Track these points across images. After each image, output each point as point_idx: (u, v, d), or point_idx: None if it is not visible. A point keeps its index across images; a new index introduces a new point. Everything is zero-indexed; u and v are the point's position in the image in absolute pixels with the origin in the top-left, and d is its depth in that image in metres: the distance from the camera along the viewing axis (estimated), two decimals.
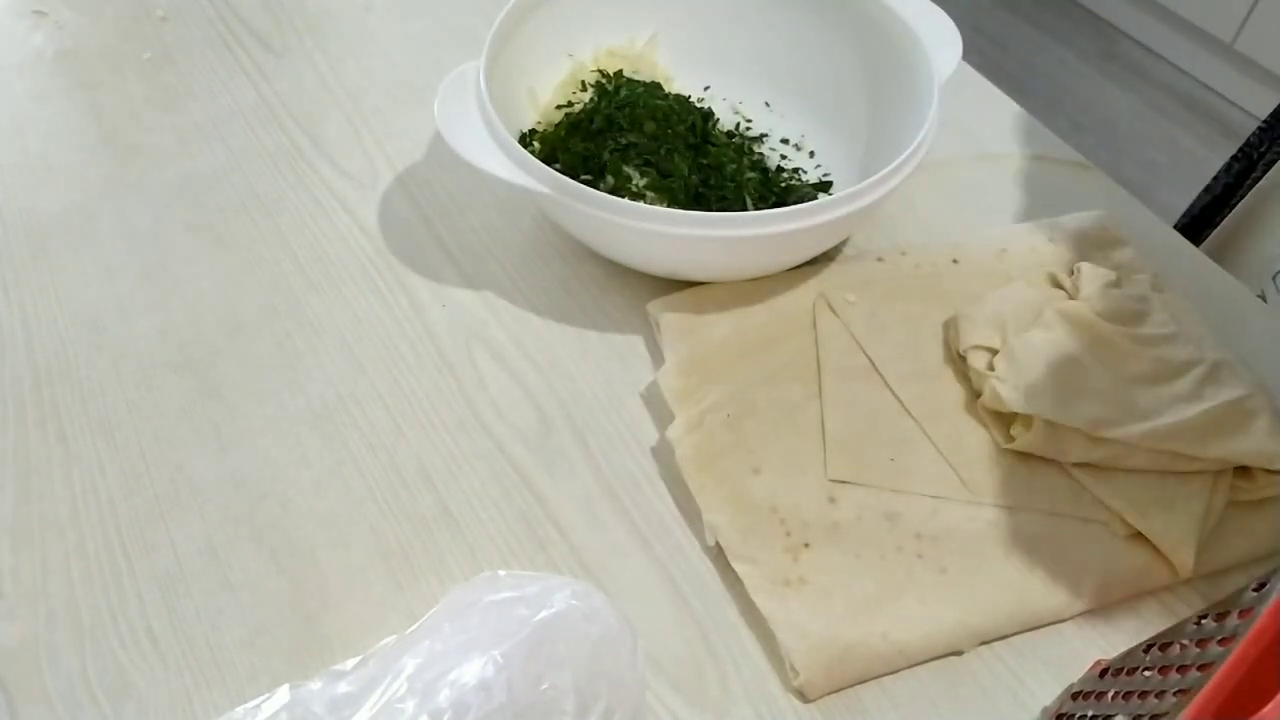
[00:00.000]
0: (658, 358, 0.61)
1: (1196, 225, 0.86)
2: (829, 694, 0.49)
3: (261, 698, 0.44)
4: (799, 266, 0.65)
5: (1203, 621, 0.42)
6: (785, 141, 0.73)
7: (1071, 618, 0.52)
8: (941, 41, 0.66)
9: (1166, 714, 0.39)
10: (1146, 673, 0.44)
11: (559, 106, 0.71)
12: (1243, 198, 0.83)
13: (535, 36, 0.70)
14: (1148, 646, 0.46)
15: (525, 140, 0.69)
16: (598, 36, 0.73)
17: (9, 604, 0.52)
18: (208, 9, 0.85)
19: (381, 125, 0.76)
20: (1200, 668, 0.39)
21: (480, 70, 0.62)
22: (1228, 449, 0.54)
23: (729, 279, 0.64)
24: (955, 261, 0.65)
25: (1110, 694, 0.45)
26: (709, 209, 0.66)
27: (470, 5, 0.84)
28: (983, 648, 0.51)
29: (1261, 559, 0.54)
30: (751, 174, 0.69)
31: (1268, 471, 0.54)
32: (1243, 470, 0.55)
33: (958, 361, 0.59)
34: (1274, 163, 0.81)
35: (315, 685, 0.44)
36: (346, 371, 0.61)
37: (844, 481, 0.54)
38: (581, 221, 0.61)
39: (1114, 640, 0.51)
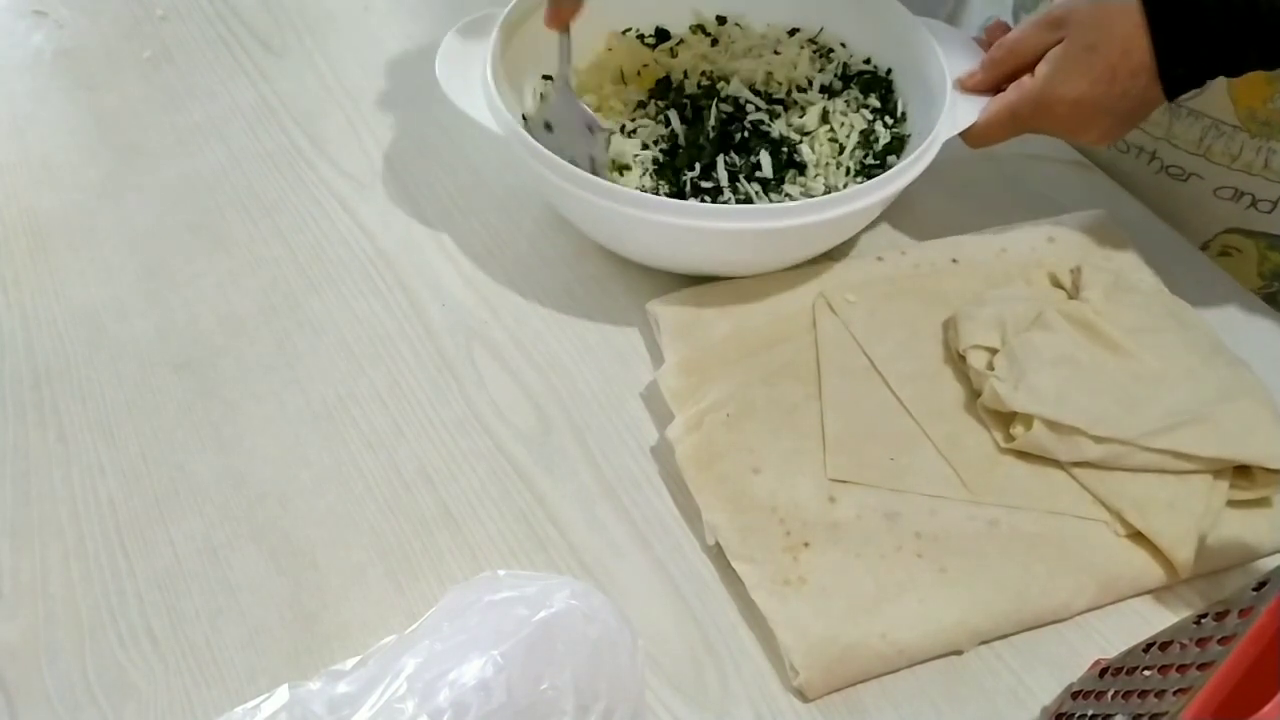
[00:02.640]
0: (658, 358, 0.61)
1: None
2: (829, 693, 0.49)
3: (261, 698, 0.44)
4: (799, 266, 0.65)
5: (1202, 621, 0.42)
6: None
7: (1071, 617, 0.52)
8: (956, 51, 0.67)
9: (1166, 713, 0.39)
10: (1146, 672, 0.43)
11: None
12: None
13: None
14: (1147, 646, 0.46)
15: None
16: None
17: (9, 604, 0.52)
18: (207, 9, 0.85)
19: (381, 125, 0.76)
20: (1200, 667, 0.39)
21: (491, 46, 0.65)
22: (1228, 449, 0.54)
23: (722, 273, 0.64)
24: (955, 261, 0.65)
25: (1110, 693, 0.45)
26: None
27: (471, 5, 0.84)
28: (982, 647, 0.51)
29: (1261, 559, 0.54)
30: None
31: (1267, 471, 0.54)
32: (1242, 470, 0.55)
33: (957, 361, 0.59)
34: None
35: (314, 685, 0.44)
36: (346, 371, 0.61)
37: (844, 481, 0.54)
38: (572, 203, 0.62)
39: (1114, 640, 0.51)
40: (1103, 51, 0.59)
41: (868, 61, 0.74)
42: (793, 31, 0.76)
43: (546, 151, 0.60)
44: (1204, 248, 0.74)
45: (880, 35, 0.72)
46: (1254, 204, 0.71)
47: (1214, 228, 0.74)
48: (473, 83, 0.64)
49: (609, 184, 0.59)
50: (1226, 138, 0.69)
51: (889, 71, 0.72)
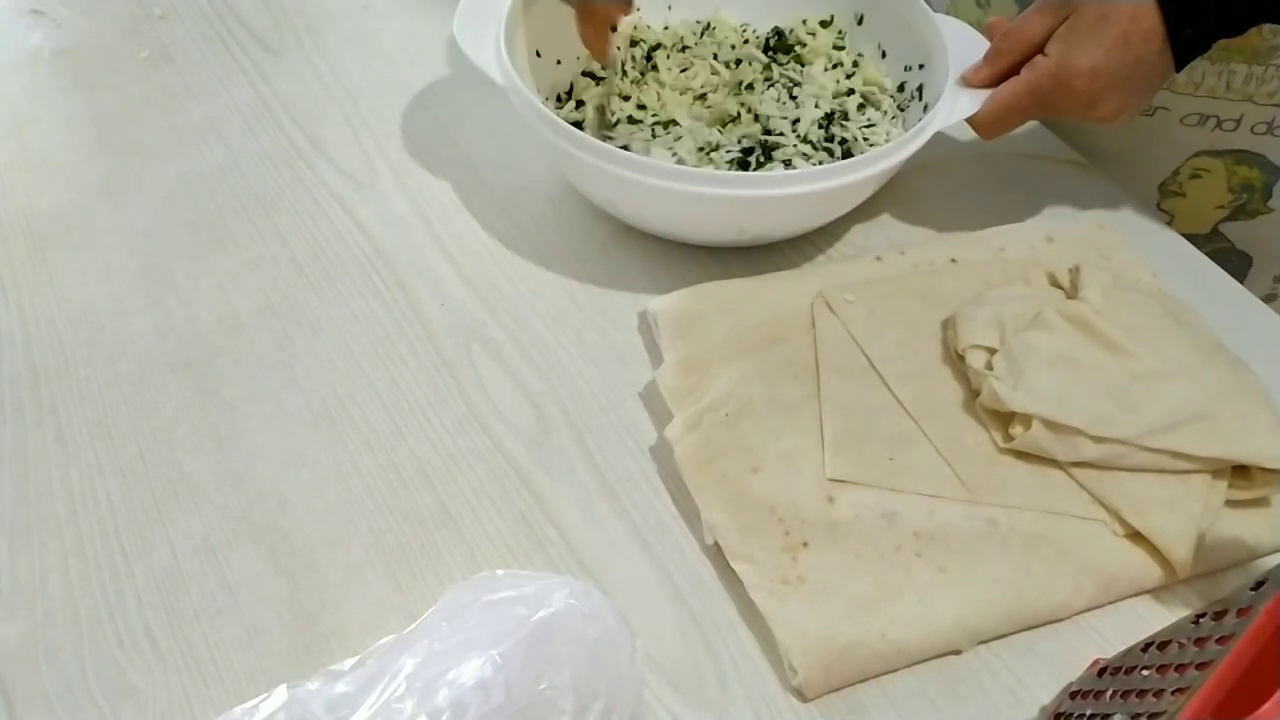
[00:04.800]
0: (656, 357, 0.61)
1: None
2: (827, 693, 0.49)
3: (259, 698, 0.44)
4: (798, 265, 0.65)
5: (1201, 620, 0.42)
6: None
7: (1070, 617, 0.52)
8: (961, 41, 0.67)
9: (1165, 713, 0.39)
10: (1145, 672, 0.44)
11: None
12: None
13: None
14: (1146, 645, 0.46)
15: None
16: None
17: (7, 604, 0.52)
18: (206, 8, 0.85)
19: (381, 125, 0.76)
20: (1198, 666, 0.39)
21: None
22: (1226, 449, 0.54)
23: (712, 242, 0.66)
24: (954, 261, 0.65)
25: (1109, 693, 0.45)
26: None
27: None
28: (981, 647, 0.51)
29: (1259, 558, 0.54)
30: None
31: (1266, 471, 0.54)
32: (1241, 470, 0.55)
33: (956, 361, 0.59)
34: None
35: (313, 685, 0.44)
36: (345, 371, 0.61)
37: (842, 481, 0.54)
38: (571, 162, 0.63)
39: (1112, 639, 0.51)
40: (1113, 19, 0.60)
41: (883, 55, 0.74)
42: (825, 23, 0.76)
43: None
44: (1175, 174, 0.76)
45: (889, 26, 0.73)
46: (1219, 125, 0.73)
47: (1184, 154, 0.75)
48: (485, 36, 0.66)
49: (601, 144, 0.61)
50: (1188, 69, 0.69)
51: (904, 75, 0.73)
